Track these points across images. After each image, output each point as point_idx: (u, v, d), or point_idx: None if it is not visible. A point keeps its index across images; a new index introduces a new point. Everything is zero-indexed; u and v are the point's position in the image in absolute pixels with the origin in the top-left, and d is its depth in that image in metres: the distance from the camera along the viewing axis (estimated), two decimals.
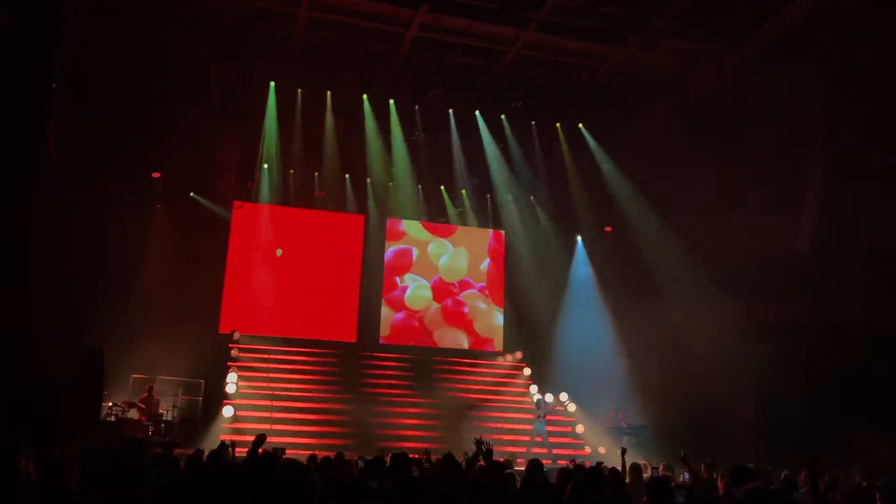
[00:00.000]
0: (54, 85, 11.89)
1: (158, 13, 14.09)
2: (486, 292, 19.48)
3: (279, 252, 17.99)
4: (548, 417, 14.97)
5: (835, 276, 13.93)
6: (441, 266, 19.24)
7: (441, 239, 19.42)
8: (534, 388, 17.00)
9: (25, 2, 11.03)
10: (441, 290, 19.18)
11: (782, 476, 7.04)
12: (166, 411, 13.95)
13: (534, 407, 15.34)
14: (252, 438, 6.24)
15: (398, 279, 18.95)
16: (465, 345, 18.99)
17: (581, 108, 17.43)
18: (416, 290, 18.94)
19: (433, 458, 7.35)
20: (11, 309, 12.07)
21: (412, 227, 19.25)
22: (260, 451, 5.97)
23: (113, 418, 13.12)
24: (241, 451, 7.59)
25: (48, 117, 11.98)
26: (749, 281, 14.28)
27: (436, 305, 19.01)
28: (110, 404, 13.33)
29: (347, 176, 18.30)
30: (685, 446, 7.91)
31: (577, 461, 7.28)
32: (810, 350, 13.74)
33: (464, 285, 19.37)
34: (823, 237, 14.11)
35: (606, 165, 17.70)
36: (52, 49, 11.53)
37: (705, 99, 15.85)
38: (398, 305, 18.79)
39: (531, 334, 18.50)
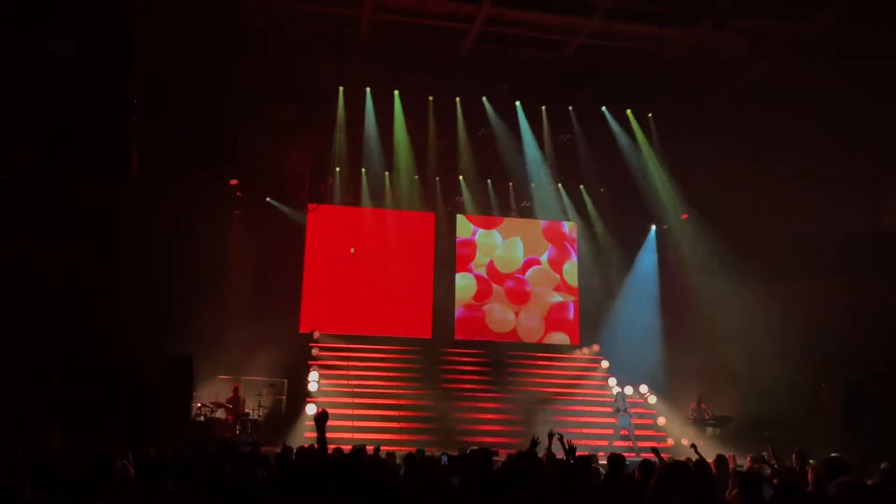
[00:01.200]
0: (135, 101, 12.41)
1: (228, 25, 14.51)
2: (557, 283, 19.33)
3: (352, 251, 18.31)
4: (630, 410, 14.74)
5: None
6: (496, 256, 19.19)
7: (494, 231, 19.36)
8: (612, 381, 16.77)
9: (93, 30, 11.56)
10: (497, 277, 19.13)
11: (882, 467, 6.68)
12: (252, 410, 14.37)
13: (612, 401, 15.14)
14: (337, 435, 6.29)
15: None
16: (536, 328, 18.91)
17: (650, 95, 17.04)
18: (460, 279, 18.97)
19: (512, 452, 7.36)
20: (107, 316, 12.70)
21: (473, 222, 19.28)
22: (346, 447, 6.07)
23: (202, 419, 13.60)
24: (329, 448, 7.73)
25: (130, 134, 12.52)
26: (839, 263, 13.70)
27: (498, 289, 19.00)
28: (199, 405, 13.83)
29: (416, 177, 18.41)
30: (772, 440, 7.67)
31: (660, 452, 7.12)
32: None
33: (528, 264, 19.30)
34: None
35: (677, 151, 17.28)
36: (126, 70, 12.05)
37: (777, 77, 15.32)
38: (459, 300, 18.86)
39: (607, 326, 18.27)
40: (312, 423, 13.60)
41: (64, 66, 11.45)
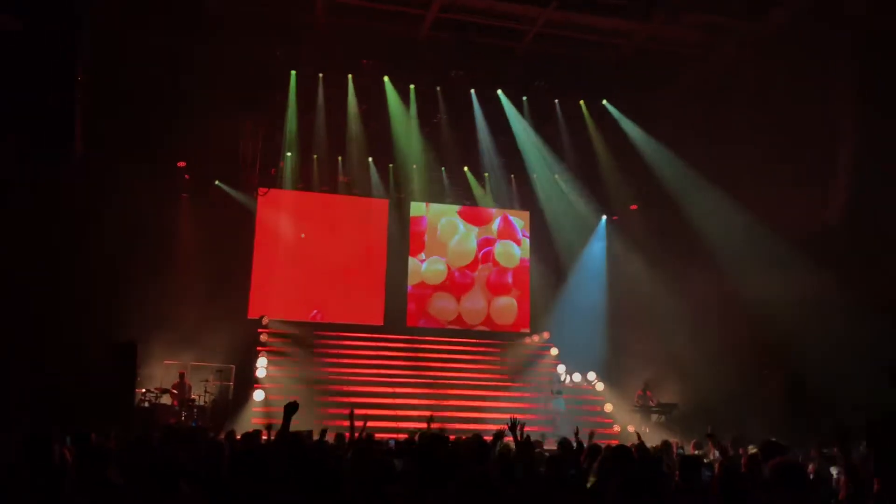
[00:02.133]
0: (79, 78, 12.09)
1: (179, 6, 14.17)
2: (509, 271, 19.45)
3: (303, 236, 18.13)
4: (579, 397, 14.96)
5: (866, 253, 13.65)
6: (450, 249, 19.21)
7: (448, 218, 19.37)
8: (561, 368, 16.99)
9: (42, 8, 11.24)
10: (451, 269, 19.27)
11: (812, 453, 6.96)
12: (198, 396, 14.16)
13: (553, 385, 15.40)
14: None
15: (416, 258, 19.01)
16: (481, 315, 19.03)
17: (605, 86, 17.18)
18: (432, 263, 18.98)
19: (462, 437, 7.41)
20: (47, 299, 12.37)
21: (427, 210, 19.27)
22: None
23: (147, 404, 13.37)
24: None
25: (74, 112, 12.20)
26: (787, 256, 14.05)
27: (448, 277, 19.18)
28: (143, 391, 13.58)
29: (371, 160, 18.26)
30: (713, 424, 7.89)
31: (594, 437, 7.28)
32: (843, 326, 13.51)
33: (480, 260, 19.36)
34: (854, 212, 13.82)
35: (631, 143, 17.49)
36: (73, 48, 11.74)
37: (730, 73, 15.60)
38: (413, 282, 18.85)
39: (557, 314, 18.47)
40: (259, 408, 13.45)
41: (12, 42, 11.14)
